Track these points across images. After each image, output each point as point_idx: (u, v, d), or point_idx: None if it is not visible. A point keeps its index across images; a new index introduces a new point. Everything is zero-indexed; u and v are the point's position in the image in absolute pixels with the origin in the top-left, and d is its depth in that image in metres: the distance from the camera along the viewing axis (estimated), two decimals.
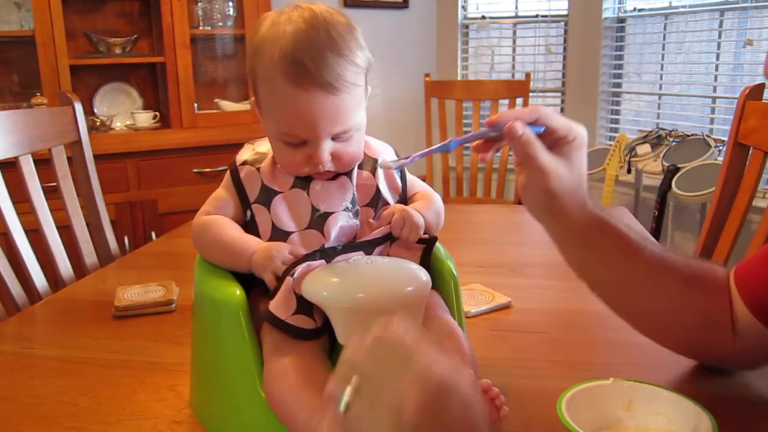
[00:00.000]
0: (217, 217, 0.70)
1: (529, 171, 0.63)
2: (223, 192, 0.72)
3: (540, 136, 0.63)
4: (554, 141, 0.64)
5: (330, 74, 0.62)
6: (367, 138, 0.73)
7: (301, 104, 0.63)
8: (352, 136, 0.68)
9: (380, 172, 0.73)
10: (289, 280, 0.64)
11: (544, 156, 0.61)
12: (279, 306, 0.63)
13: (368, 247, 0.69)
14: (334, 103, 0.64)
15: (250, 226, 0.69)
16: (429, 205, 0.73)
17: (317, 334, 0.64)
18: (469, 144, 0.66)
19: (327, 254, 0.67)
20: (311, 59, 0.62)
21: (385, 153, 0.75)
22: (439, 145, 0.67)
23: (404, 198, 0.75)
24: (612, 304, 0.74)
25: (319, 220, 0.68)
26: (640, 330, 0.75)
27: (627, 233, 0.70)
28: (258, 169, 0.70)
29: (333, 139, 0.66)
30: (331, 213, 0.68)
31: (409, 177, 0.76)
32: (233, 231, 0.69)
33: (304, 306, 0.64)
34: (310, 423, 0.56)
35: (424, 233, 0.71)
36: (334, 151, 0.67)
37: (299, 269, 0.65)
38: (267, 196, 0.69)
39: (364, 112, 0.69)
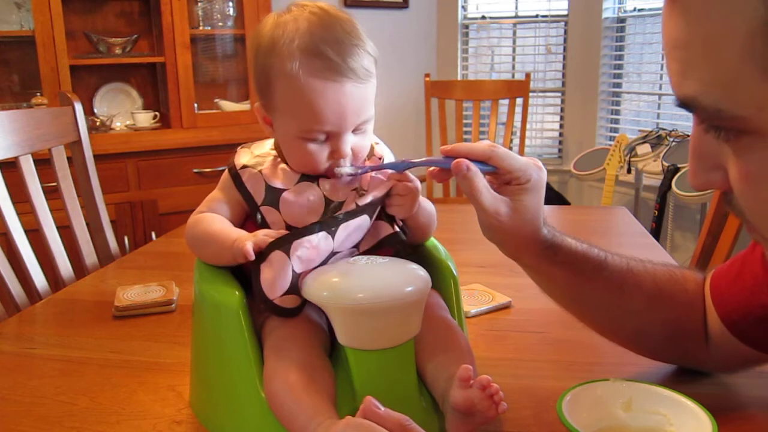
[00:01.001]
0: (207, 214, 0.69)
1: (474, 206, 0.65)
2: (219, 194, 0.71)
3: (492, 174, 0.65)
4: (506, 181, 0.65)
5: (354, 63, 0.63)
6: None
7: (329, 96, 0.63)
8: (367, 129, 0.69)
9: (379, 150, 0.73)
10: (283, 256, 0.63)
11: (485, 195, 0.64)
12: (271, 284, 0.63)
13: (370, 210, 0.67)
14: (360, 92, 0.65)
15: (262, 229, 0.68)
16: (425, 205, 0.72)
17: (299, 310, 0.64)
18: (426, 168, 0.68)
19: (328, 225, 0.65)
20: (335, 51, 0.63)
21: (381, 148, 0.75)
22: (393, 162, 0.70)
23: None
24: (578, 317, 0.76)
25: (335, 210, 0.67)
26: (610, 340, 0.76)
27: (586, 257, 0.70)
28: (260, 171, 0.69)
29: (353, 132, 0.67)
30: (344, 201, 0.68)
31: None
32: (221, 224, 0.68)
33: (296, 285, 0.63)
34: (311, 424, 0.55)
35: (410, 235, 0.70)
36: (353, 144, 0.67)
37: (297, 243, 0.63)
38: (274, 196, 0.68)
39: None
